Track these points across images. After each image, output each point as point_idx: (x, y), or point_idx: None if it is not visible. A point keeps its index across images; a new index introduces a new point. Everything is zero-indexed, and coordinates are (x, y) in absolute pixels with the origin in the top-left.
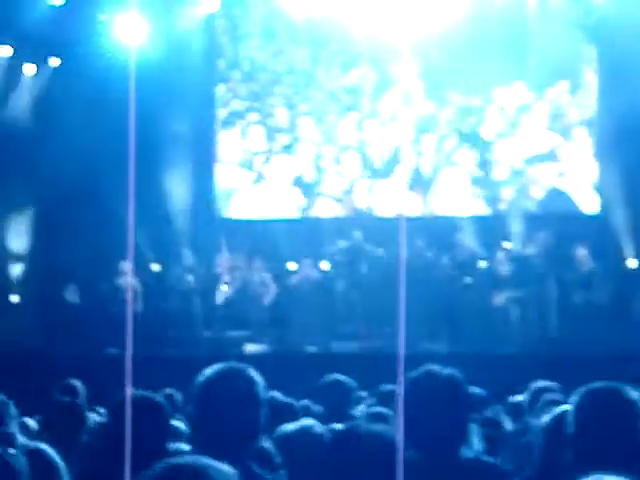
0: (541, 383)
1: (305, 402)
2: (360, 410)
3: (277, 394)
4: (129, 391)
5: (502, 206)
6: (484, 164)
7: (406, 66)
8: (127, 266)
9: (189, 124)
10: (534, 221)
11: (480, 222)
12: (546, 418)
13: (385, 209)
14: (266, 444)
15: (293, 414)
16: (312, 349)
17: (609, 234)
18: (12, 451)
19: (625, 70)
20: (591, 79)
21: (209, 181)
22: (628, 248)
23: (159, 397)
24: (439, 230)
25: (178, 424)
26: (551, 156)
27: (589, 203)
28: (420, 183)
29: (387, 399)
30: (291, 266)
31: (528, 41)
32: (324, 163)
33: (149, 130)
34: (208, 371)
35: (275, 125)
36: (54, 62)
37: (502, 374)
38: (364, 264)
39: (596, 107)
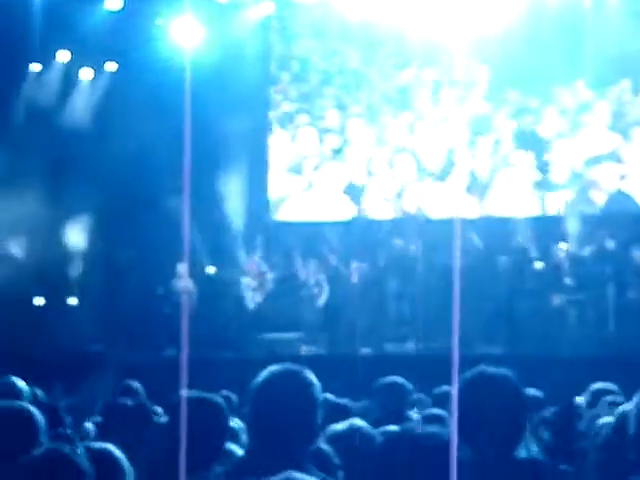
0: (600, 385)
1: (360, 404)
2: (416, 412)
3: (331, 396)
4: (185, 392)
5: (560, 207)
6: (543, 165)
7: (462, 67)
8: (183, 268)
9: (243, 127)
10: (593, 222)
11: (538, 223)
12: (606, 419)
13: (441, 211)
14: (324, 445)
15: (348, 416)
16: (366, 351)
17: None
18: (79, 451)
19: None
20: None
21: (262, 183)
22: None
23: (218, 398)
24: (496, 231)
25: (235, 425)
26: (613, 156)
27: None
28: (476, 186)
29: (442, 400)
30: (344, 268)
31: (588, 39)
32: (376, 165)
33: (204, 133)
34: (265, 373)
35: (326, 127)
36: (111, 67)
37: (560, 376)
38: (418, 265)
39: None
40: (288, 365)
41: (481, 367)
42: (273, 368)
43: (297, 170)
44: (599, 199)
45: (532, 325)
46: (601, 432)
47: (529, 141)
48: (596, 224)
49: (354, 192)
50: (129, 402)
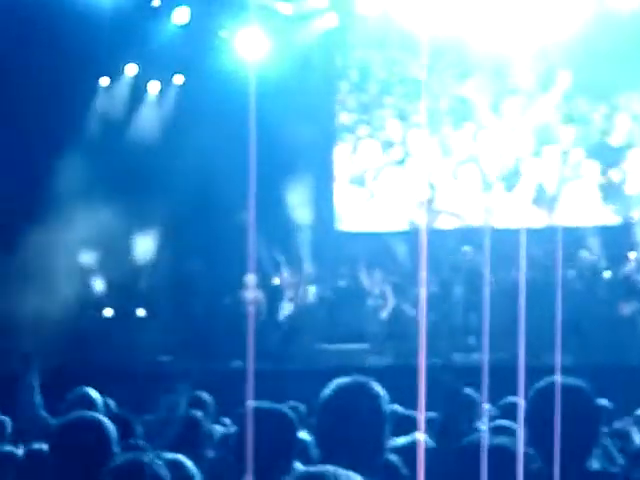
0: None
1: (428, 415)
2: (484, 422)
3: (398, 407)
4: (251, 403)
5: (631, 216)
6: (612, 175)
7: (526, 75)
8: (251, 279)
9: (309, 138)
10: None
11: (606, 232)
12: None
13: (508, 221)
14: (392, 457)
15: (415, 427)
16: (434, 361)
17: None
18: (158, 461)
19: None
20: None
21: (327, 194)
22: None
23: (286, 409)
24: (564, 241)
25: (303, 436)
26: None
27: None
28: (544, 198)
29: (511, 411)
30: (409, 278)
31: None
32: (439, 176)
33: (270, 144)
34: (332, 385)
35: (387, 138)
36: (178, 80)
37: (631, 386)
38: (486, 275)
39: None
40: (355, 377)
41: (553, 377)
42: (340, 381)
43: (360, 182)
44: None
45: (602, 334)
46: None
47: (599, 150)
48: None
49: (420, 201)
50: (199, 414)
